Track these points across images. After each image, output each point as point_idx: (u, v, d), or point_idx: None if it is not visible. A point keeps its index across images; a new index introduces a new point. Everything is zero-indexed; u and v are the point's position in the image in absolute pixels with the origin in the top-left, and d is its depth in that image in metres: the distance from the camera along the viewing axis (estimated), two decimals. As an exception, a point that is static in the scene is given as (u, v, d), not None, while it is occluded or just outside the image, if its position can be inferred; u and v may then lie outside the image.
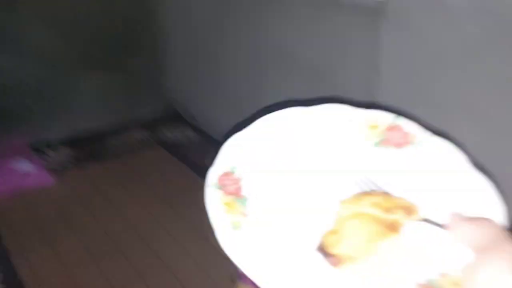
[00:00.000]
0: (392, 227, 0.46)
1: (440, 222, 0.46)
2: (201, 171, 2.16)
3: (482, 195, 0.50)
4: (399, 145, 0.57)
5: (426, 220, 0.47)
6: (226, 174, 0.51)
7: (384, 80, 1.40)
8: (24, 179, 2.03)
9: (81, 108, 2.50)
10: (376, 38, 1.38)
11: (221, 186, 0.50)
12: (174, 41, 2.60)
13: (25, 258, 1.66)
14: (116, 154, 2.40)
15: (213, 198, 0.48)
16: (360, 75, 1.50)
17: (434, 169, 0.54)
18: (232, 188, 0.50)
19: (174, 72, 2.71)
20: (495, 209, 0.49)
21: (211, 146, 2.41)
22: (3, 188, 1.96)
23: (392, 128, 0.58)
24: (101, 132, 2.54)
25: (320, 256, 0.46)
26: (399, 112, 0.59)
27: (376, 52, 1.39)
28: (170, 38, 2.62)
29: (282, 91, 1.91)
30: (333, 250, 0.46)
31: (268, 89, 2.01)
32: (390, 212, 0.47)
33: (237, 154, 0.53)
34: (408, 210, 0.48)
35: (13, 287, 1.54)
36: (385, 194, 0.50)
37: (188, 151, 2.43)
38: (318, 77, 1.71)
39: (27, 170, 2.07)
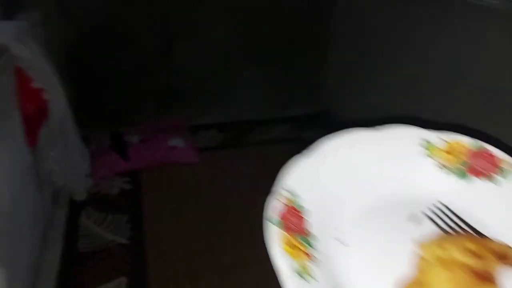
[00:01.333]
0: (486, 277, 0.40)
1: None
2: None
3: None
4: (483, 174, 0.48)
5: None
6: (287, 207, 0.45)
7: None
8: (172, 152, 2.23)
9: (238, 97, 2.66)
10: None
11: (282, 221, 0.44)
12: (340, 45, 2.56)
13: (153, 223, 1.83)
14: (258, 143, 2.48)
15: (275, 237, 0.42)
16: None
17: None
18: (295, 224, 0.44)
19: (333, 76, 2.68)
20: None
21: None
22: (152, 158, 2.18)
23: (475, 154, 0.48)
24: (250, 121, 2.65)
25: None
26: (485, 136, 0.50)
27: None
28: (336, 41, 2.58)
29: (442, 111, 1.73)
30: None
31: (428, 106, 1.83)
32: (481, 258, 0.40)
33: (299, 182, 0.47)
34: (501, 254, 0.41)
35: (135, 247, 1.70)
36: (472, 235, 0.43)
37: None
38: (490, 100, 1.50)
39: (176, 145, 2.27)
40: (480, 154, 0.48)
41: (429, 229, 0.45)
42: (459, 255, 0.40)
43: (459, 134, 0.50)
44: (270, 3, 2.51)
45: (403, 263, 0.42)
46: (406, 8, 1.94)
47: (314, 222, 0.44)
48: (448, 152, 0.49)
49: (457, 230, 0.45)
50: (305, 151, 0.51)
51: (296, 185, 0.46)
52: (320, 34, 2.63)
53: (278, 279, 0.38)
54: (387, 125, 0.52)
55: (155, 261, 1.64)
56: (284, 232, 0.42)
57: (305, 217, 0.45)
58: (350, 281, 0.40)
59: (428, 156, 0.50)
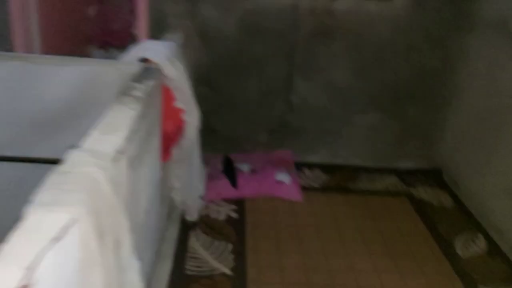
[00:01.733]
0: None
1: None
2: (442, 242, 1.98)
3: None
4: None
5: None
6: None
7: None
8: (278, 187, 2.21)
9: (348, 140, 2.60)
10: None
11: None
12: (464, 103, 2.44)
13: (256, 257, 1.80)
14: (363, 191, 2.39)
15: None
16: None
17: None
18: None
19: (449, 133, 2.55)
20: None
21: (464, 221, 2.17)
22: (259, 190, 2.18)
23: None
24: (357, 166, 2.58)
25: None
26: None
27: None
28: (460, 99, 2.47)
29: None
30: None
31: None
32: None
33: None
34: None
35: (238, 279, 1.68)
36: None
37: (435, 215, 2.22)
38: None
39: (283, 181, 2.25)
40: None
41: None
42: None
43: None
44: (396, 53, 2.46)
45: None
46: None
47: None
48: None
49: None
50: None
51: None
52: (443, 89, 2.52)
53: None
54: None
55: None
56: None
57: None
58: None
59: None
